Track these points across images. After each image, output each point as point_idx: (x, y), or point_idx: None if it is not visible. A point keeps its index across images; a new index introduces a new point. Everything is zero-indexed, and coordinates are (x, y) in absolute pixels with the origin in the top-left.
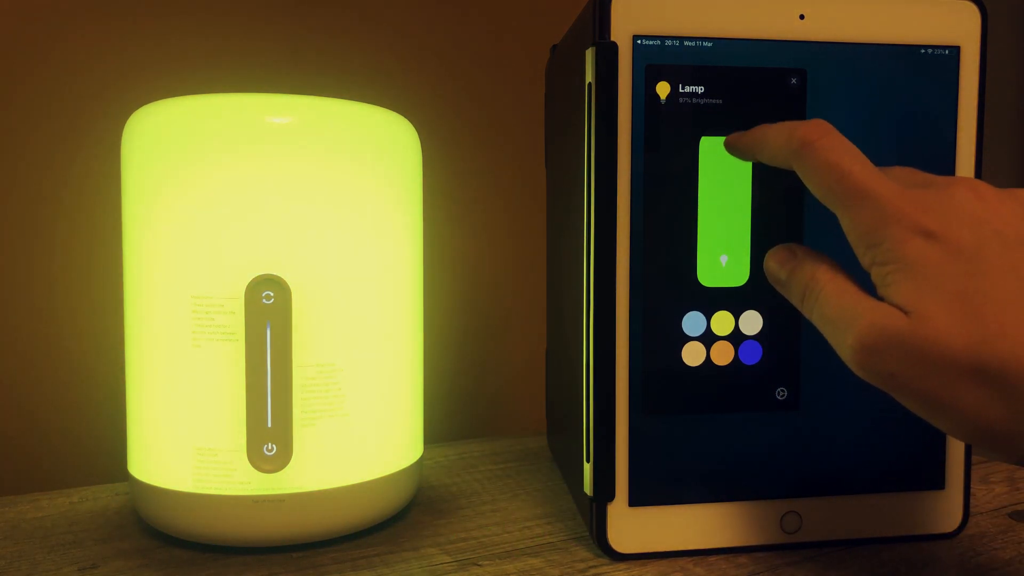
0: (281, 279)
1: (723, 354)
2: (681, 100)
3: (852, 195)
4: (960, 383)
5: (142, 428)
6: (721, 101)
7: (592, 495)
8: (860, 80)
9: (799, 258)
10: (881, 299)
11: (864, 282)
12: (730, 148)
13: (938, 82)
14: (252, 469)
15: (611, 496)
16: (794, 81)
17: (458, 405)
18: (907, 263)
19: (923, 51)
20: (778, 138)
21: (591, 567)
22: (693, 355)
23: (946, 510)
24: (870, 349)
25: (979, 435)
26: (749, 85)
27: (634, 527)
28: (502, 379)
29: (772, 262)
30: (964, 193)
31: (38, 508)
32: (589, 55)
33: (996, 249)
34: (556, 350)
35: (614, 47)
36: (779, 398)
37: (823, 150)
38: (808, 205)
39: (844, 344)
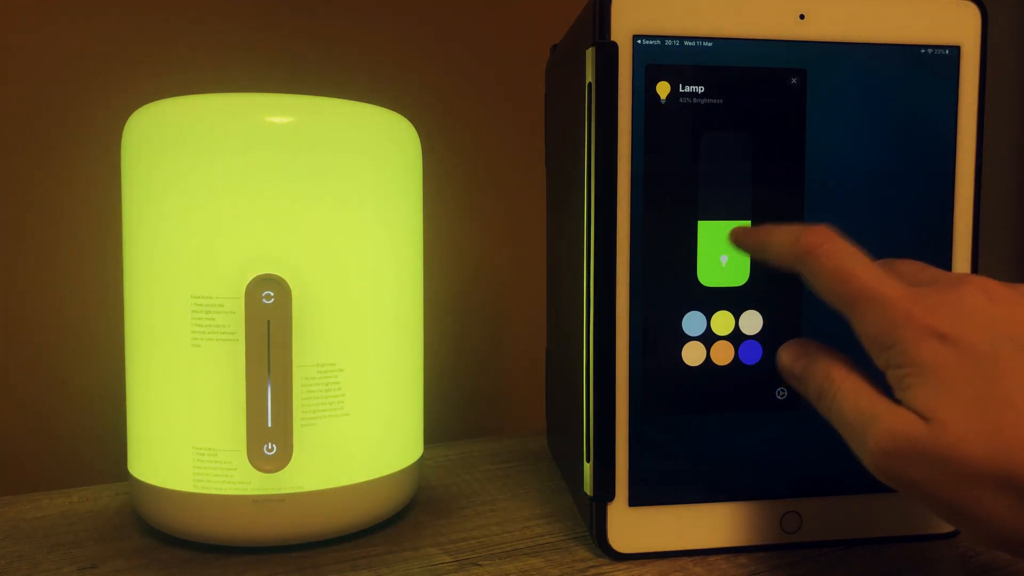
0: (281, 279)
1: (723, 354)
2: (681, 100)
3: (859, 298)
4: (982, 491)
5: (142, 428)
6: (721, 101)
7: (592, 495)
8: (860, 80)
9: (811, 354)
10: (898, 401)
11: (875, 374)
12: (735, 243)
13: (938, 82)
14: (252, 469)
15: (611, 496)
16: (794, 81)
17: (458, 405)
18: (922, 367)
19: (923, 51)
20: (782, 244)
21: (591, 567)
22: (693, 355)
23: None
24: (890, 455)
25: (1003, 542)
26: (749, 85)
27: (634, 527)
28: (502, 379)
29: (785, 356)
30: (974, 294)
31: (38, 508)
32: (589, 55)
33: (1010, 352)
34: (556, 350)
35: (614, 47)
36: (779, 398)
37: (826, 256)
38: (808, 205)
39: (863, 448)
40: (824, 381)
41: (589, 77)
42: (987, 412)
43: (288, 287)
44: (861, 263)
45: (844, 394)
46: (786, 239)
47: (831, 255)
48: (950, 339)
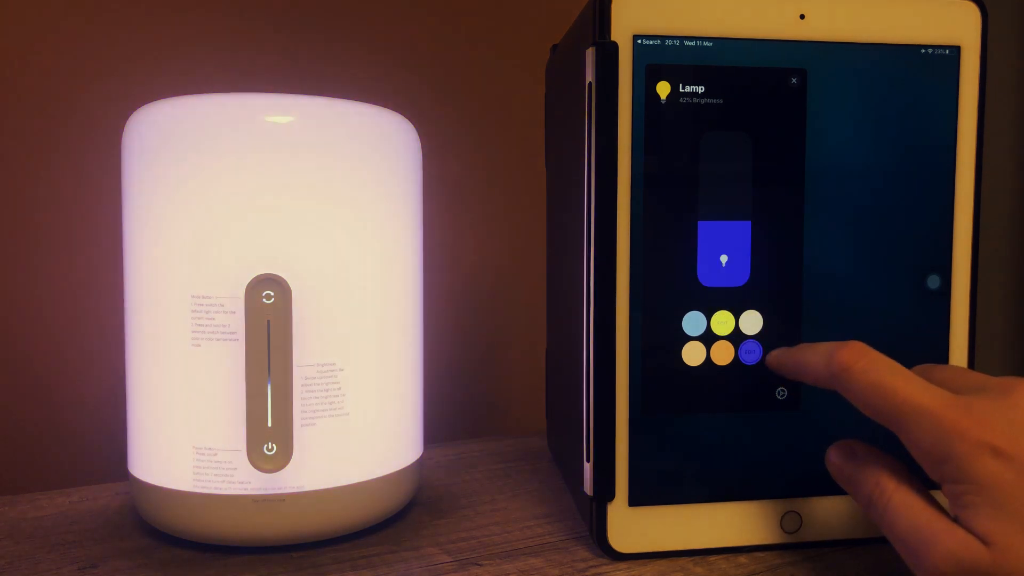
0: (281, 279)
1: (723, 354)
2: (682, 100)
3: (904, 413)
4: None
5: (142, 427)
6: (721, 101)
7: (592, 495)
8: (860, 80)
9: (860, 457)
10: (955, 519)
11: (924, 479)
12: (772, 367)
13: (938, 82)
14: (252, 469)
15: (611, 496)
16: (794, 81)
17: (458, 405)
18: (981, 486)
19: (923, 51)
20: (817, 365)
21: (591, 567)
22: (693, 355)
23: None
24: None
25: None
26: (749, 85)
27: (634, 527)
28: (502, 379)
29: (834, 457)
30: None
31: (38, 508)
32: (589, 55)
33: None
34: (556, 350)
35: (614, 47)
36: (779, 398)
37: (863, 372)
38: (808, 205)
39: (921, 568)
40: (874, 489)
41: (589, 77)
42: None
43: (288, 287)
44: (901, 375)
45: (896, 506)
46: (820, 359)
47: (868, 371)
48: (1006, 455)
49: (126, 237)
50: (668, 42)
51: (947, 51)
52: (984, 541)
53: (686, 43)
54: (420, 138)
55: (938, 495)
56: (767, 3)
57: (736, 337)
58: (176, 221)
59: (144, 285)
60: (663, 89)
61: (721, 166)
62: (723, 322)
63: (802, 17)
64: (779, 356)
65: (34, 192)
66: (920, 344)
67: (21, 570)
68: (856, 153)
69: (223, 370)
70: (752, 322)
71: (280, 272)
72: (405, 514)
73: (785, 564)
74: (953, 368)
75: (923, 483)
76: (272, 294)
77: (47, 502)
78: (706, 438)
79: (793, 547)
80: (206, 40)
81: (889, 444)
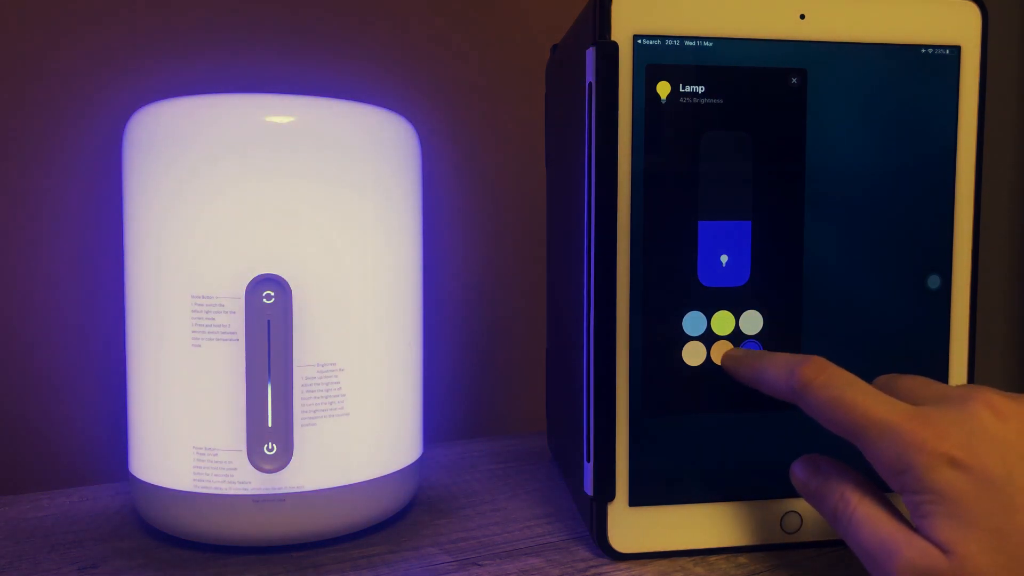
0: (281, 279)
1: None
2: (682, 100)
3: (864, 426)
4: None
5: (142, 427)
6: (722, 101)
7: (592, 495)
8: (860, 80)
9: (824, 472)
10: (915, 528)
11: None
12: (727, 370)
13: (939, 82)
14: (252, 468)
15: (611, 496)
16: (794, 81)
17: (458, 405)
18: (939, 494)
19: (924, 51)
20: (777, 378)
21: (591, 567)
22: (693, 355)
23: None
24: None
25: None
26: (749, 85)
27: (634, 527)
28: (502, 379)
29: (799, 473)
30: (981, 411)
31: (38, 508)
32: (589, 55)
33: None
34: (556, 350)
35: (614, 47)
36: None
37: (823, 387)
38: (808, 205)
39: None
40: (839, 502)
41: (589, 77)
42: (1007, 543)
43: (288, 287)
44: (860, 390)
45: (860, 518)
46: (780, 373)
47: (828, 386)
48: (963, 465)
49: (126, 237)
50: (668, 42)
51: (947, 51)
52: (943, 549)
53: (686, 43)
54: (420, 138)
55: (899, 504)
56: (767, 3)
57: (736, 337)
58: (176, 221)
59: (144, 285)
60: (663, 89)
61: (721, 166)
62: (723, 322)
63: (802, 17)
64: (736, 359)
65: (34, 192)
66: (920, 344)
67: (21, 570)
68: (856, 153)
69: (223, 370)
70: (752, 322)
71: (280, 272)
72: (405, 514)
73: (785, 564)
74: (915, 378)
75: (885, 494)
76: (272, 294)
77: (47, 502)
78: (706, 438)
79: (793, 547)
80: (206, 40)
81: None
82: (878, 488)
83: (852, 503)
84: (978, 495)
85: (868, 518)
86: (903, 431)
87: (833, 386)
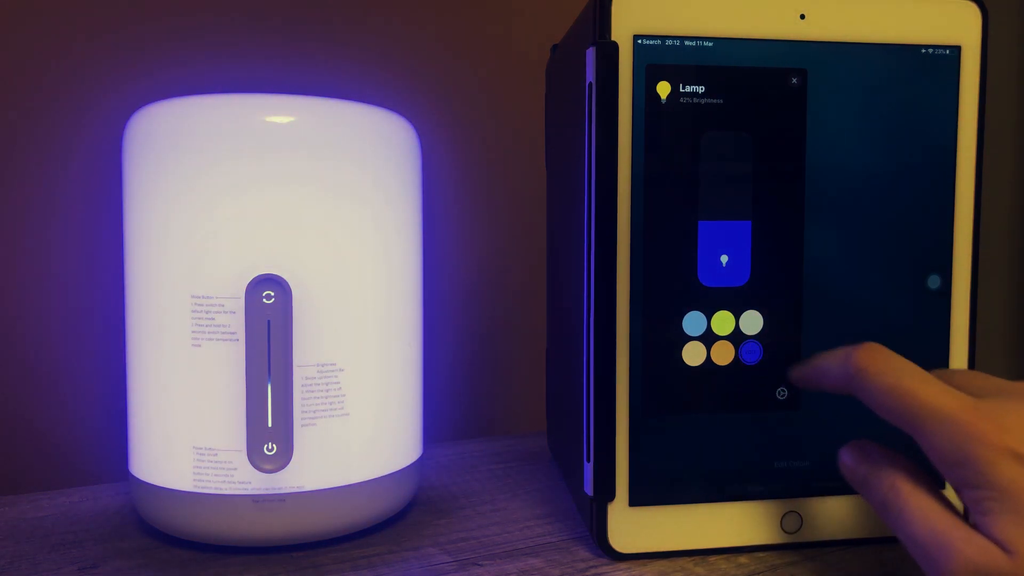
0: (281, 279)
1: (723, 354)
2: (682, 100)
3: (921, 416)
4: None
5: (142, 427)
6: (722, 101)
7: (592, 495)
8: (860, 80)
9: (874, 460)
10: (973, 524)
11: (940, 482)
12: (796, 383)
13: (939, 82)
14: (252, 469)
15: (611, 496)
16: (794, 81)
17: (458, 405)
18: (1001, 491)
19: (924, 51)
20: (833, 369)
21: (591, 567)
22: (693, 355)
23: None
24: None
25: None
26: (749, 85)
27: (634, 527)
28: (502, 379)
29: (847, 458)
30: None
31: (38, 508)
32: (590, 55)
33: None
34: (556, 350)
35: (615, 47)
36: (779, 398)
37: (879, 374)
38: (808, 205)
39: (937, 574)
40: (889, 492)
41: (590, 77)
42: None
43: (288, 287)
44: (918, 377)
45: (912, 510)
46: (836, 364)
47: (884, 373)
48: None
49: (126, 237)
50: (668, 42)
51: (947, 51)
52: (1005, 548)
53: (686, 43)
54: (420, 138)
55: (951, 497)
56: (767, 3)
57: (736, 337)
58: (176, 221)
59: (144, 285)
60: (663, 89)
61: (721, 166)
62: (723, 322)
63: (802, 17)
64: (799, 370)
65: (34, 192)
66: (920, 344)
67: (21, 570)
68: (856, 153)
69: (223, 370)
70: (752, 322)
71: (280, 272)
72: (405, 514)
73: (785, 564)
74: (970, 372)
75: (938, 485)
76: (272, 294)
77: (47, 502)
78: (706, 438)
79: (793, 547)
80: (206, 40)
81: (897, 443)
82: (930, 479)
83: (903, 494)
84: None
85: (921, 511)
86: (963, 422)
87: (889, 372)
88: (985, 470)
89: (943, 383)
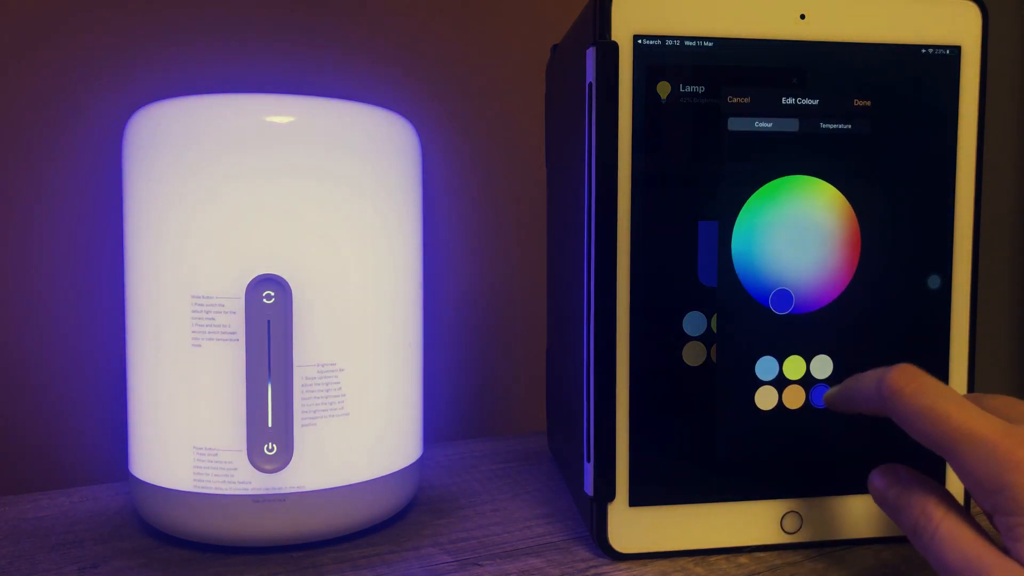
0: (281, 279)
1: None
2: (682, 100)
3: (957, 440)
4: None
5: (142, 427)
6: (722, 101)
7: (592, 495)
8: (860, 80)
9: (905, 483)
10: (1006, 550)
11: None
12: (830, 406)
13: (939, 82)
14: (252, 469)
15: (611, 496)
16: (794, 81)
17: (458, 405)
18: None
19: (924, 51)
20: (868, 391)
21: (591, 567)
22: (694, 355)
23: None
24: None
25: None
26: (750, 85)
27: (634, 527)
28: (502, 379)
29: (878, 482)
30: None
31: (38, 508)
32: (590, 55)
33: None
34: (556, 350)
35: (615, 47)
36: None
37: (913, 396)
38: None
39: None
40: (920, 516)
41: (589, 77)
42: None
43: (288, 287)
44: (954, 401)
45: (943, 536)
46: (870, 385)
47: (919, 394)
48: None
49: (126, 237)
50: (668, 42)
51: (947, 51)
52: None
53: (686, 43)
54: (420, 138)
55: (982, 523)
56: (767, 3)
57: None
58: (176, 221)
59: (144, 285)
60: (663, 89)
61: (721, 166)
62: None
63: (802, 17)
64: (833, 394)
65: (35, 192)
66: (920, 344)
67: (21, 570)
68: (856, 153)
69: (223, 370)
70: None
71: (280, 272)
72: (405, 514)
73: (785, 564)
74: (1004, 398)
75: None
76: (272, 294)
77: (47, 502)
78: (706, 438)
79: (793, 547)
80: (206, 40)
81: (894, 447)
82: (961, 505)
83: (935, 519)
84: None
85: (953, 536)
86: (1000, 448)
87: (925, 394)
88: (1020, 496)
89: (978, 408)
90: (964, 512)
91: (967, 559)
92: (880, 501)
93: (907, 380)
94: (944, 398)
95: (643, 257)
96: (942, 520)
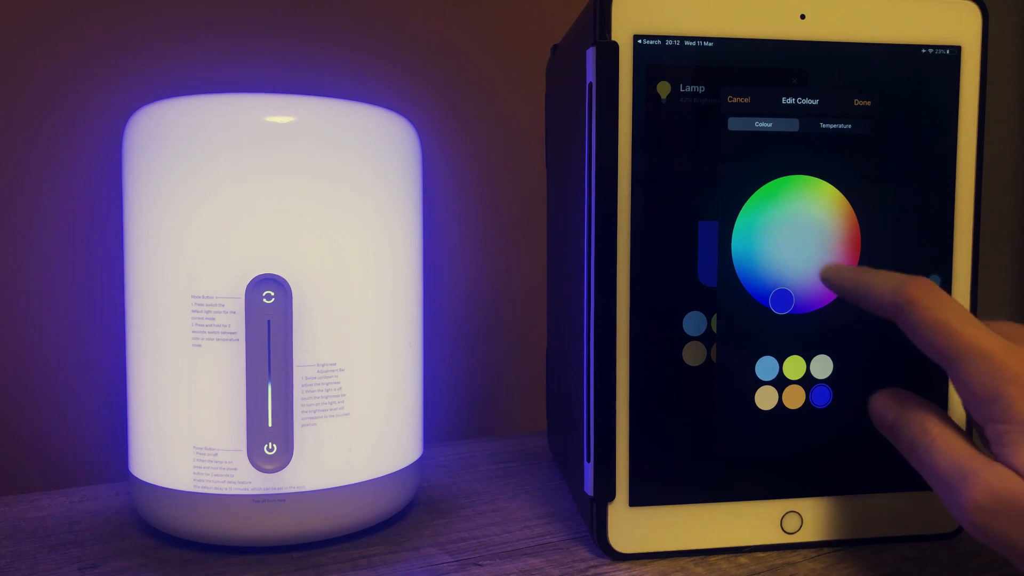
0: (281, 279)
1: None
2: (682, 100)
3: (962, 352)
4: None
5: (142, 427)
6: (722, 101)
7: (592, 495)
8: (860, 80)
9: (905, 404)
10: (994, 457)
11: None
12: (826, 280)
13: (939, 82)
14: (252, 468)
15: (611, 496)
16: (794, 81)
17: (458, 405)
18: None
19: (924, 51)
20: (883, 291)
21: (591, 567)
22: (694, 355)
23: (946, 510)
24: (986, 511)
25: None
26: (750, 85)
27: (634, 527)
28: (502, 379)
29: (877, 404)
30: None
31: (38, 508)
32: (590, 55)
33: None
34: (556, 350)
35: (615, 47)
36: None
37: (928, 308)
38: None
39: (957, 503)
40: (918, 432)
41: (589, 77)
42: None
43: (288, 287)
44: (965, 318)
45: (939, 447)
46: (887, 286)
47: (934, 308)
48: None
49: (126, 237)
50: (668, 42)
51: (948, 51)
52: (1022, 475)
53: (686, 43)
54: (420, 138)
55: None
56: (767, 3)
57: None
58: (176, 221)
59: (144, 285)
60: (663, 89)
61: (721, 166)
62: None
63: (802, 17)
64: (837, 271)
65: (34, 192)
66: None
67: (21, 570)
68: (856, 153)
69: (223, 370)
70: None
71: (280, 272)
72: (405, 514)
73: (785, 564)
74: (1010, 324)
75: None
76: (272, 294)
77: (47, 502)
78: (706, 438)
79: (793, 547)
80: (206, 40)
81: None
82: (958, 425)
83: (932, 434)
84: None
85: (947, 446)
86: (1000, 361)
87: (939, 308)
88: (1012, 405)
89: (986, 328)
90: (961, 430)
91: (957, 463)
92: (879, 422)
93: (924, 292)
94: (956, 315)
95: (643, 257)
96: (939, 435)
